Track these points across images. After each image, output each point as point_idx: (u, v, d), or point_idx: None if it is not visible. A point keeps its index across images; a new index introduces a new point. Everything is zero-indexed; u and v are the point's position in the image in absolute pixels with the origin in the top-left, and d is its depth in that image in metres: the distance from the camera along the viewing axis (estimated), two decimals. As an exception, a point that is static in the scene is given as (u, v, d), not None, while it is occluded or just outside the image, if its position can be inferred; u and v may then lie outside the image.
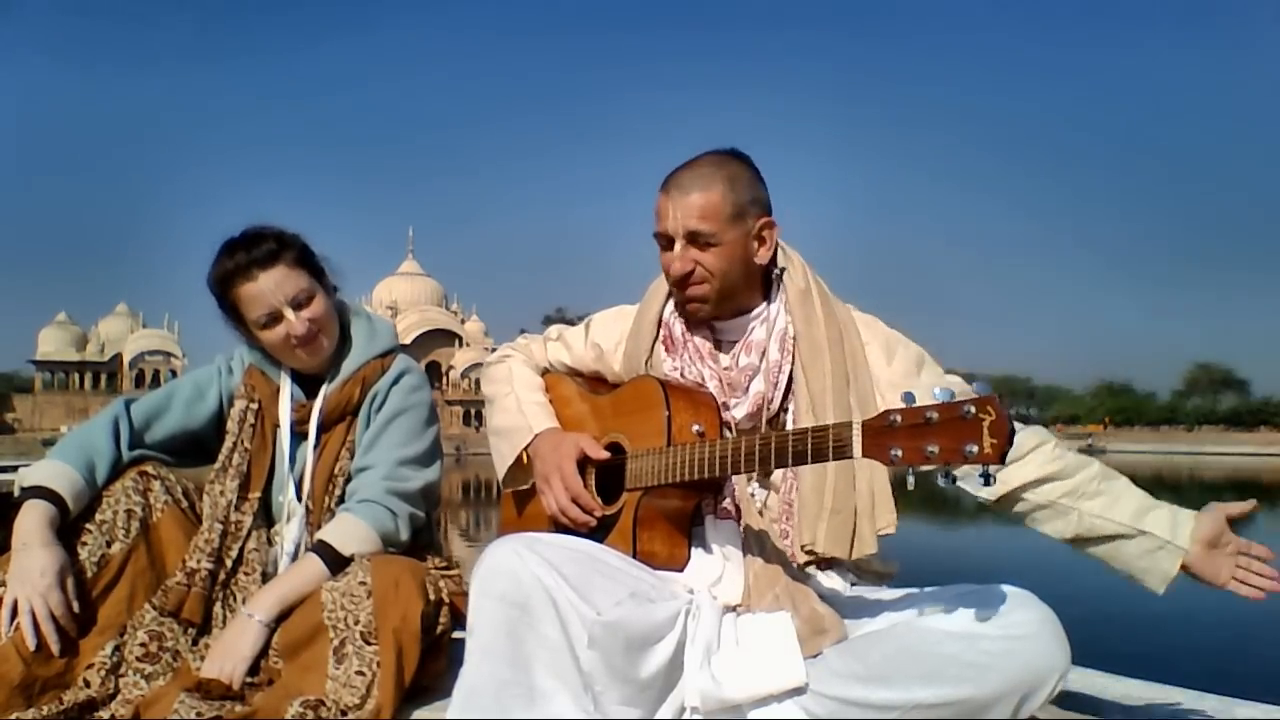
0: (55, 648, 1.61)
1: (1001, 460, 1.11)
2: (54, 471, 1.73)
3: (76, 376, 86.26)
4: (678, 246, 1.57)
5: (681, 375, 1.66)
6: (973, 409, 1.13)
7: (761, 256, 1.62)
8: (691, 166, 1.60)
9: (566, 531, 1.56)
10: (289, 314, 1.82)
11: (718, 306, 1.62)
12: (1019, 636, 1.24)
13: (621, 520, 1.56)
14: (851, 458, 1.26)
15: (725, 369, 1.64)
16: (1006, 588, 1.31)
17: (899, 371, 1.62)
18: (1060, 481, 1.55)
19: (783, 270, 1.67)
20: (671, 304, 1.73)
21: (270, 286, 1.80)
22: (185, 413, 1.94)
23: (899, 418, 1.20)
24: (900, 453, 1.19)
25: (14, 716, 1.55)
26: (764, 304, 1.66)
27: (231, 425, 1.93)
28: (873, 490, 1.51)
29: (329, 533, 1.77)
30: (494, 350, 2.06)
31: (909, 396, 1.21)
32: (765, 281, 1.68)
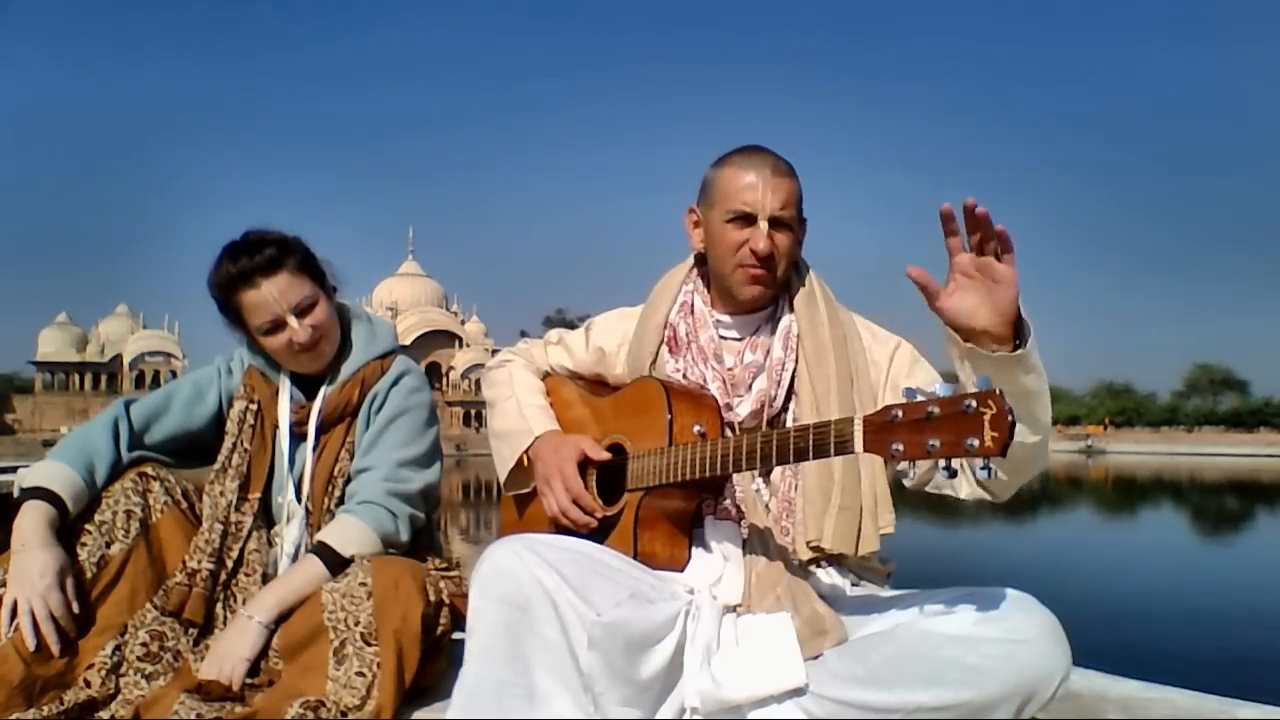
0: (55, 648, 1.61)
1: (1003, 453, 1.11)
2: (53, 472, 1.73)
3: (77, 377, 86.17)
4: (763, 225, 1.59)
5: (684, 377, 1.67)
6: (974, 403, 1.13)
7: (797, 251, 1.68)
8: (762, 153, 1.63)
9: (567, 533, 1.56)
10: (292, 321, 1.82)
11: (772, 292, 1.66)
12: (1020, 640, 1.23)
13: (622, 521, 1.56)
14: (853, 453, 1.26)
15: (729, 369, 1.65)
16: (1007, 590, 1.31)
17: (898, 373, 1.64)
18: None
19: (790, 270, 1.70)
20: (678, 304, 1.73)
21: (274, 294, 1.80)
22: (185, 414, 1.94)
23: (900, 413, 1.20)
24: (902, 447, 1.19)
25: (14, 717, 1.55)
26: (771, 304, 1.68)
27: (231, 426, 1.93)
28: (875, 490, 1.53)
29: (329, 534, 1.77)
30: (494, 351, 2.07)
31: (910, 392, 1.21)
32: None
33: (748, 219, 1.59)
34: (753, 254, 1.59)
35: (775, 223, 1.59)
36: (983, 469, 1.15)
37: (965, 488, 1.50)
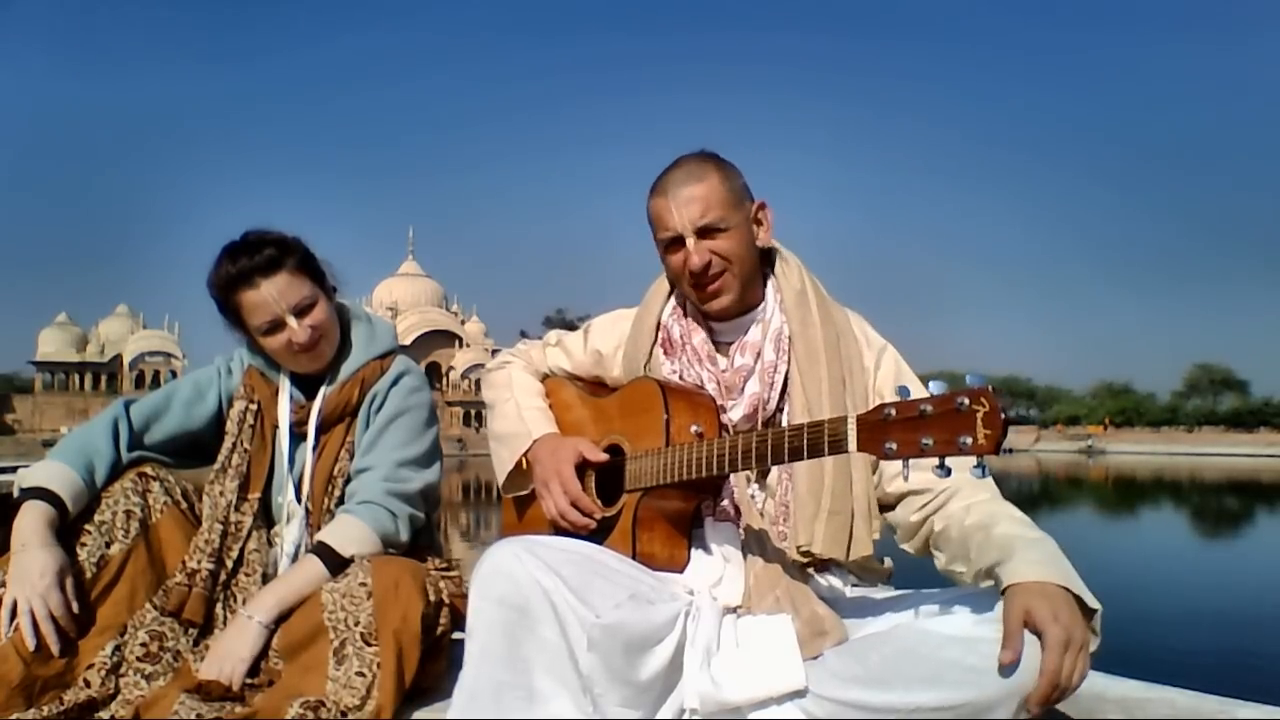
0: (55, 648, 1.61)
1: (996, 451, 1.12)
2: (53, 472, 1.73)
3: (77, 377, 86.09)
4: (690, 242, 1.58)
5: (680, 378, 1.67)
6: (967, 401, 1.13)
7: (763, 239, 1.67)
8: (677, 167, 1.62)
9: (566, 535, 1.56)
10: (292, 322, 1.83)
11: (740, 295, 1.63)
12: (1019, 640, 1.23)
13: (621, 522, 1.56)
14: (847, 452, 1.27)
15: (723, 371, 1.65)
16: None
17: (883, 384, 1.63)
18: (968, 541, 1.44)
19: (778, 263, 1.69)
20: (671, 306, 1.73)
21: (273, 294, 1.80)
22: (185, 414, 1.94)
23: (893, 411, 1.20)
24: (895, 446, 1.19)
25: (14, 716, 1.55)
26: (761, 305, 1.67)
27: (231, 426, 1.93)
28: (867, 494, 1.52)
29: (328, 534, 1.77)
30: (494, 351, 2.07)
31: (904, 390, 1.22)
32: (762, 278, 1.68)
33: (676, 241, 1.60)
34: (690, 273, 1.59)
35: (704, 232, 1.57)
36: (976, 468, 1.15)
37: (909, 543, 1.57)
